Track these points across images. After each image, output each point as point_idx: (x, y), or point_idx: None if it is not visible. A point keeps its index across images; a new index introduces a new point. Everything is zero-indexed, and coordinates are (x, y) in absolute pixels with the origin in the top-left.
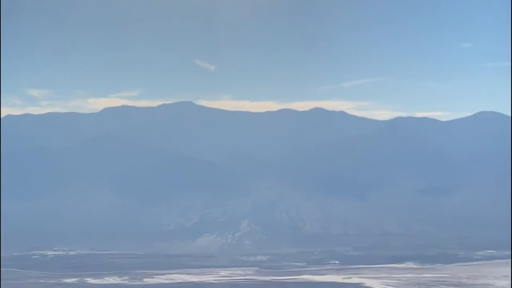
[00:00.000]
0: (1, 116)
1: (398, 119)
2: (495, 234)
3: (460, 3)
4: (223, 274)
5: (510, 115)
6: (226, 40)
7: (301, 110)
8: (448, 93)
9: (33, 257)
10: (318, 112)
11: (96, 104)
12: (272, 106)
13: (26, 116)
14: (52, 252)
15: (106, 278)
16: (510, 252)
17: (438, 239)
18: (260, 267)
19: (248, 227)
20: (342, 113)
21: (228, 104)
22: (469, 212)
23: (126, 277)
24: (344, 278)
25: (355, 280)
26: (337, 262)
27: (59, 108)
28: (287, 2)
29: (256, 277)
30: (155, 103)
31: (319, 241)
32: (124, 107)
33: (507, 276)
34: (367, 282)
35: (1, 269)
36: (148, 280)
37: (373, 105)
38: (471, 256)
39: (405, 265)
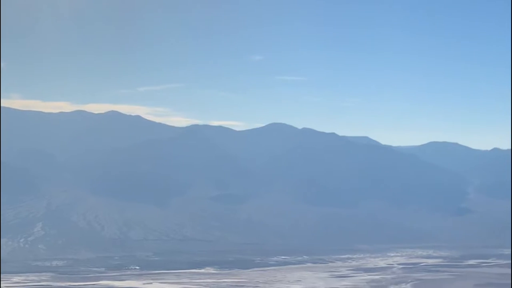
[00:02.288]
0: None
1: (194, 127)
2: (287, 241)
3: (252, 17)
4: (15, 280)
5: (298, 127)
6: (16, 36)
7: (96, 112)
8: (241, 104)
9: None
10: (114, 115)
11: None
12: (66, 107)
13: None
14: None
15: None
16: (302, 258)
17: (236, 245)
18: (56, 273)
19: (42, 230)
20: (138, 117)
21: (18, 103)
22: (262, 219)
23: None
24: (144, 284)
25: (155, 285)
26: (137, 267)
27: None
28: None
29: (52, 283)
30: None
31: (118, 246)
32: None
33: (300, 280)
34: (168, 287)
35: None
36: None
37: (169, 111)
38: (267, 262)
39: (205, 270)
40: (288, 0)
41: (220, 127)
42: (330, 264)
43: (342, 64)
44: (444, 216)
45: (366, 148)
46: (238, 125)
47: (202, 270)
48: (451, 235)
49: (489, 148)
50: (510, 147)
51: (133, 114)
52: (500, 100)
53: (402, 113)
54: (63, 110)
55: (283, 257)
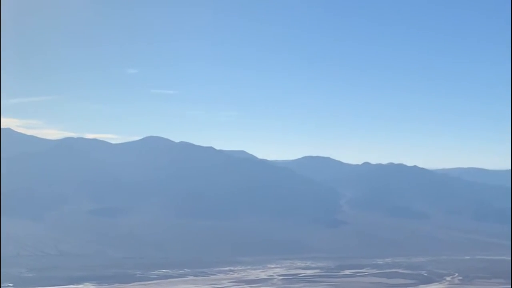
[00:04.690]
0: None
1: (68, 139)
2: (168, 254)
3: (126, 30)
4: None
5: (175, 141)
6: None
7: None
8: (116, 116)
9: None
10: None
11: None
12: None
13: None
14: None
15: None
16: (183, 271)
17: (114, 259)
18: None
19: None
20: (8, 130)
21: None
22: (141, 233)
23: None
24: None
25: None
26: (10, 284)
27: None
28: None
29: None
30: None
31: None
32: None
33: None
34: None
35: None
36: None
37: (41, 123)
38: (148, 276)
39: (83, 286)
40: (163, 14)
41: (95, 140)
42: (212, 276)
43: (216, 78)
44: (320, 228)
45: (243, 162)
46: (113, 138)
47: (80, 286)
48: (327, 246)
49: (360, 162)
50: (380, 162)
51: (3, 127)
52: (369, 116)
53: (276, 128)
54: None
55: (164, 270)
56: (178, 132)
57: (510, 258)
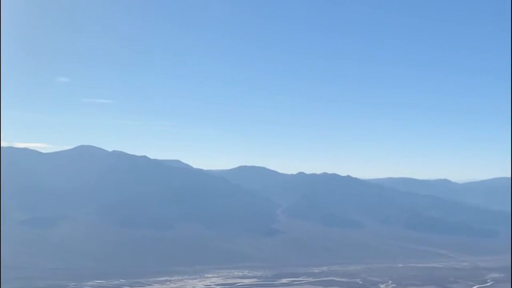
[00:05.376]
0: None
1: None
2: (102, 265)
3: (58, 38)
4: None
5: (108, 150)
6: None
7: None
8: (48, 126)
9: None
10: None
11: None
12: None
13: None
14: None
15: None
16: (119, 282)
17: (47, 270)
18: None
19: None
20: None
21: None
22: (75, 243)
23: None
24: None
25: None
26: None
27: None
28: None
29: None
30: None
31: None
32: None
33: None
34: None
35: None
36: None
37: None
38: (82, 287)
39: None
40: (94, 23)
41: (25, 149)
42: (148, 287)
43: (149, 87)
44: (256, 237)
45: (179, 171)
46: (45, 147)
47: None
48: (263, 255)
49: (294, 172)
50: (314, 172)
51: None
52: (303, 126)
53: (211, 137)
54: None
55: (98, 281)
56: (111, 141)
57: (442, 266)
